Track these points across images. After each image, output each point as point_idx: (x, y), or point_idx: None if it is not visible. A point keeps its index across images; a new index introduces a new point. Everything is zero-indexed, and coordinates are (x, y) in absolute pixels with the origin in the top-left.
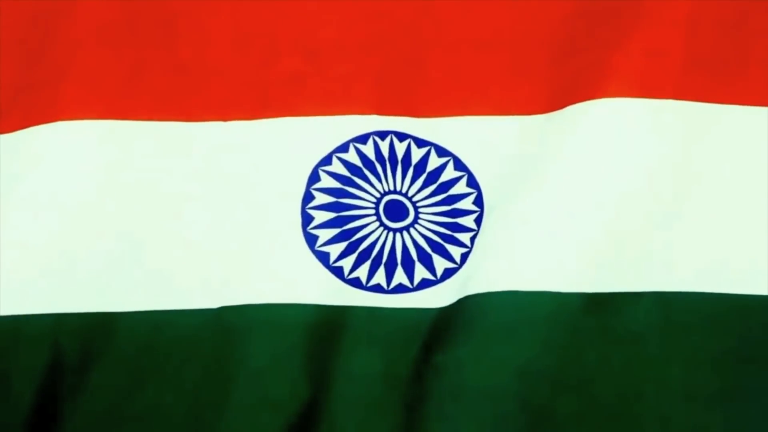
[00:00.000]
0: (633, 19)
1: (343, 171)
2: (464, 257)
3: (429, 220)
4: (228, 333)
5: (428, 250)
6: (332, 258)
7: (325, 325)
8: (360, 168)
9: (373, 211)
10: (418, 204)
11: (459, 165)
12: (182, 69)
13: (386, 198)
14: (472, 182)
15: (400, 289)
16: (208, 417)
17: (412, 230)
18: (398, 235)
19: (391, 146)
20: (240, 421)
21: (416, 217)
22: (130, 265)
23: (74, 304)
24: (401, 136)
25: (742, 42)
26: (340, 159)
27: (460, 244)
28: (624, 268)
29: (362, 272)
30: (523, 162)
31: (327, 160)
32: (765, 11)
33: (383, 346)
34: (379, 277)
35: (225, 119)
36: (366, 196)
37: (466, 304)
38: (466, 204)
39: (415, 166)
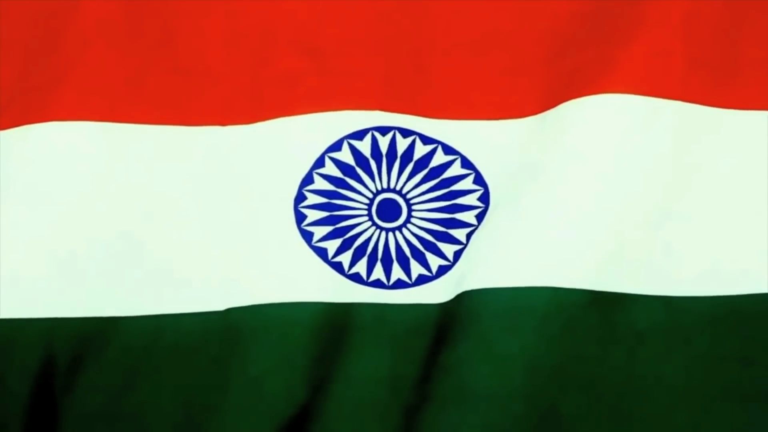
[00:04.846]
0: (631, 20)
1: (335, 173)
2: (457, 255)
3: (422, 218)
4: (235, 334)
5: (421, 248)
6: (330, 253)
7: (332, 324)
8: (353, 167)
9: (365, 212)
10: (413, 201)
11: (466, 163)
12: (181, 72)
13: (379, 197)
14: (479, 180)
15: (400, 284)
16: (202, 417)
17: (404, 230)
18: (390, 234)
19: (392, 142)
20: (233, 422)
21: (409, 216)
22: (131, 267)
23: (73, 309)
24: (406, 132)
25: (738, 44)
26: (332, 159)
27: (455, 241)
28: (625, 268)
29: (361, 267)
30: (527, 161)
31: (320, 162)
32: (760, 13)
33: (391, 348)
34: (378, 272)
35: (223, 123)
36: (359, 197)
37: (463, 300)
38: (470, 200)
39: (417, 161)
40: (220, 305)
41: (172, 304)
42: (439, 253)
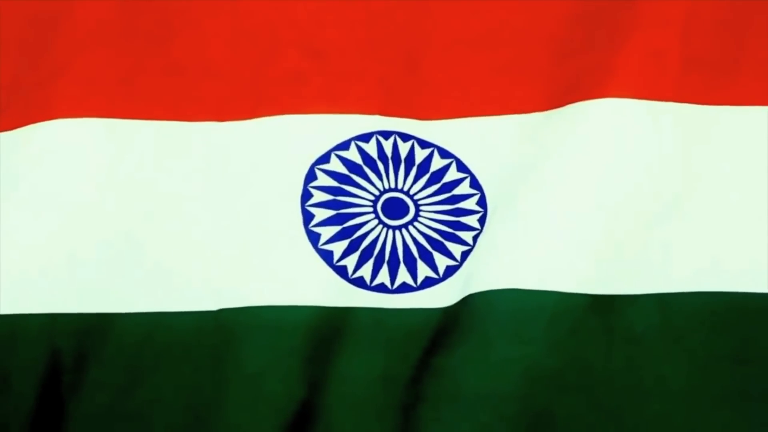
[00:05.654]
0: (630, 20)
1: (341, 169)
2: (465, 255)
3: (430, 218)
4: (227, 334)
5: (428, 247)
6: (336, 257)
7: (327, 327)
8: (360, 166)
9: (371, 209)
10: (420, 201)
11: (462, 167)
12: (180, 68)
13: (385, 196)
14: (475, 184)
15: (405, 288)
16: (205, 414)
17: (411, 228)
18: (398, 232)
19: (395, 146)
20: (236, 419)
21: (417, 215)
22: (130, 265)
23: (72, 305)
24: (405, 137)
25: (738, 42)
26: (339, 157)
27: (462, 242)
28: (624, 269)
29: (366, 271)
30: (524, 161)
31: (325, 158)
32: (759, 11)
33: (385, 350)
34: (383, 276)
35: (222, 119)
36: (364, 194)
37: (468, 303)
38: (470, 204)
39: (419, 165)
40: (215, 305)
41: (168, 302)
42: (447, 253)
